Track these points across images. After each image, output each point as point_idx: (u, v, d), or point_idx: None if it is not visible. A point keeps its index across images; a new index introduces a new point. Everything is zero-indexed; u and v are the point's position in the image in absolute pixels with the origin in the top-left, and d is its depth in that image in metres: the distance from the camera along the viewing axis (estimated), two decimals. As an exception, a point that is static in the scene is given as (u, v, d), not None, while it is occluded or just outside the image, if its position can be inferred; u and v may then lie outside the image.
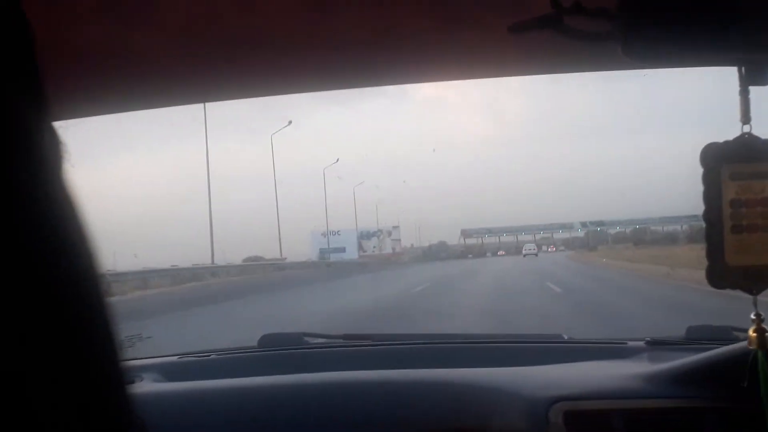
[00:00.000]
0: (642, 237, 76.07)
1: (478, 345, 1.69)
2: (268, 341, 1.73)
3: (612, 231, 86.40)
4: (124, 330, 0.33)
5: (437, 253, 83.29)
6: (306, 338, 1.74)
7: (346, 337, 1.76)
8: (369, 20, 0.90)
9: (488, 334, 1.90)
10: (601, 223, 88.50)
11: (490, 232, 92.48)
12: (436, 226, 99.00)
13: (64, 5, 0.79)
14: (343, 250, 70.09)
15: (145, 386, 1.42)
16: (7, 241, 0.25)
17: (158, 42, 0.90)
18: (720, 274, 0.79)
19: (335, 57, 1.00)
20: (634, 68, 0.97)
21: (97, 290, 0.29)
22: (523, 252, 58.78)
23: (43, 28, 0.72)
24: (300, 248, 63.66)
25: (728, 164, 0.77)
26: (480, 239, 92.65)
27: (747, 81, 0.76)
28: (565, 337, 1.71)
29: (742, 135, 0.76)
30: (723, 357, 1.17)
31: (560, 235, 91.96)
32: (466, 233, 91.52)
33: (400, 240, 77.35)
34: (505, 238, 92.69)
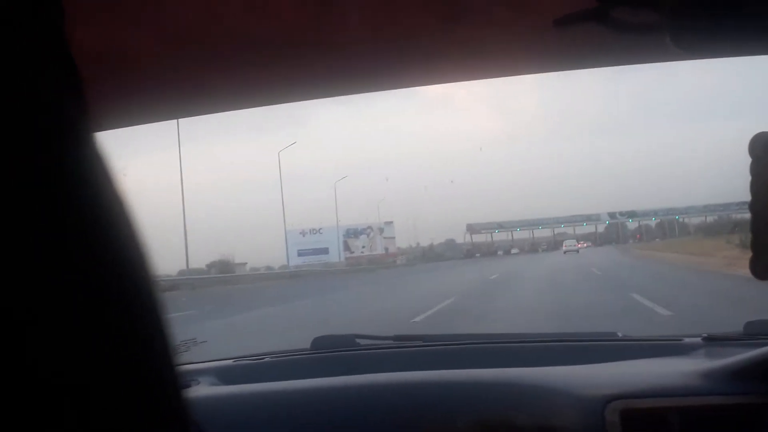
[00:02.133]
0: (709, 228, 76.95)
1: (531, 344, 1.89)
2: (321, 343, 1.97)
3: (644, 221, 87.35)
4: (179, 335, 0.35)
5: (443, 252, 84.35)
6: (357, 340, 1.97)
7: (397, 338, 1.99)
8: (380, 23, 1.05)
9: (541, 333, 2.09)
10: (632, 214, 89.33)
11: (500, 227, 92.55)
12: (439, 224, 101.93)
13: (96, 13, 0.95)
14: (325, 251, 69.60)
15: (201, 390, 1.65)
16: (61, 248, 0.29)
17: (176, 52, 1.08)
18: (764, 266, 0.88)
19: (352, 62, 1.18)
20: (683, 59, 1.13)
21: (152, 294, 0.33)
22: (564, 248, 60.31)
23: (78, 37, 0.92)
24: (278, 250, 63.54)
25: None
26: (489, 235, 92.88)
27: None
28: (620, 335, 1.92)
29: None
30: None
31: (584, 229, 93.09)
32: (472, 229, 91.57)
33: (394, 238, 77.31)
34: (519, 234, 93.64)
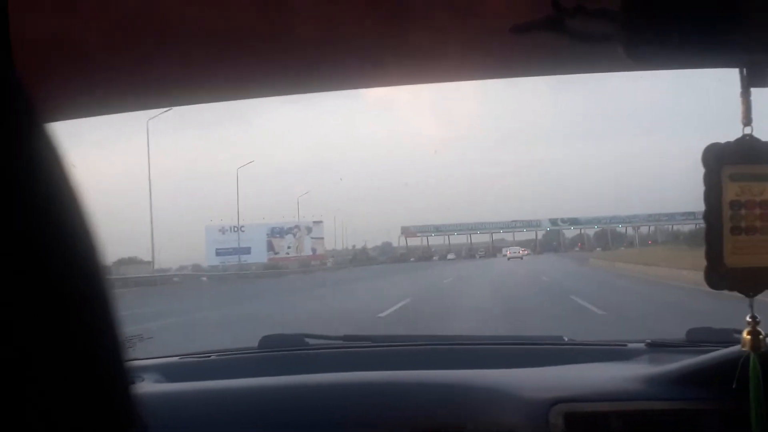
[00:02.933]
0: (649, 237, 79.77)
1: (477, 347, 1.99)
2: (269, 342, 2.05)
3: (586, 229, 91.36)
4: (125, 331, 0.39)
5: (377, 256, 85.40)
6: (306, 339, 2.05)
7: (346, 338, 2.08)
8: (328, 22, 1.13)
9: (488, 336, 2.23)
10: (575, 221, 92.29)
11: (437, 230, 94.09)
12: (374, 226, 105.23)
13: (51, 4, 0.99)
14: (246, 251, 68.61)
15: (146, 387, 1.70)
16: (10, 241, 0.30)
17: (140, 44, 1.14)
18: (718, 275, 0.94)
19: (302, 60, 1.26)
20: (636, 69, 1.22)
21: (103, 290, 0.34)
22: (508, 255, 62.66)
23: (31, 26, 1.00)
24: (196, 249, 62.21)
25: (729, 165, 0.93)
26: (425, 239, 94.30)
27: (749, 82, 0.90)
28: (566, 339, 2.04)
29: (743, 136, 0.91)
30: (722, 359, 1.44)
31: (523, 235, 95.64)
32: (407, 232, 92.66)
33: (323, 239, 77.08)
34: (456, 239, 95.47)
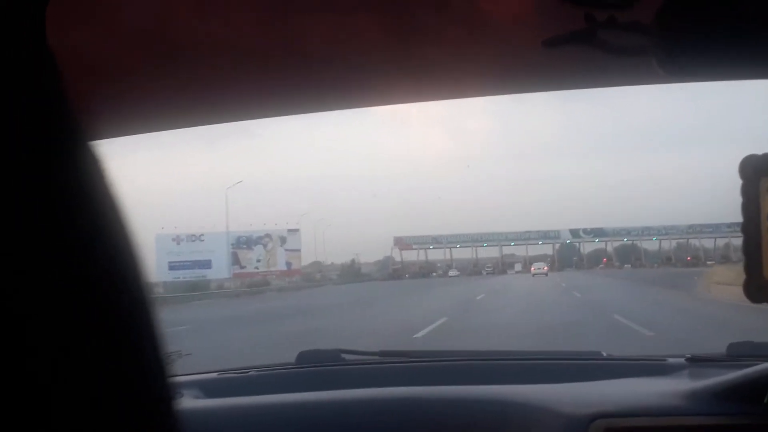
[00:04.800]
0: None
1: (516, 362, 2.23)
2: (306, 358, 2.32)
3: (615, 241, 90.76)
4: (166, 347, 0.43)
5: (371, 272, 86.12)
6: (343, 355, 2.31)
7: (382, 353, 2.33)
8: (338, 39, 1.32)
9: (526, 351, 2.46)
10: (600, 232, 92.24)
11: (436, 242, 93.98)
12: (367, 239, 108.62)
13: (94, 25, 1.21)
14: (206, 264, 68.29)
15: (185, 403, 1.93)
16: (57, 257, 0.35)
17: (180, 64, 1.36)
18: (757, 288, 1.04)
19: (317, 77, 1.47)
20: (669, 82, 1.40)
21: (147, 304, 0.39)
22: (532, 271, 64.59)
23: (74, 47, 1.20)
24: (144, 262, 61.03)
25: (767, 177, 1.02)
26: (423, 252, 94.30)
27: None
28: (604, 354, 2.27)
29: None
30: (764, 373, 1.65)
31: (538, 248, 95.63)
32: (401, 243, 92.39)
33: (299, 251, 76.35)
34: (459, 252, 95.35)
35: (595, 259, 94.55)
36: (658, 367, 2.11)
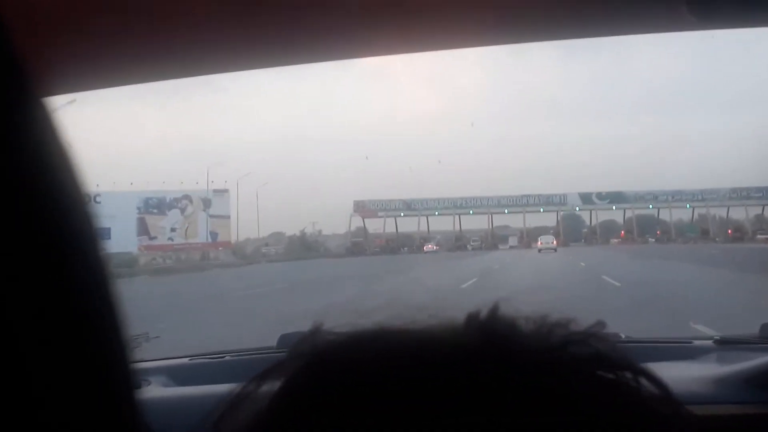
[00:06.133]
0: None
1: None
2: (289, 341, 2.51)
3: (638, 209, 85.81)
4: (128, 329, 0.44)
5: (325, 244, 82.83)
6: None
7: None
8: None
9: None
10: (619, 197, 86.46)
11: (408, 208, 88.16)
12: (331, 207, 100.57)
13: None
14: (105, 234, 58.32)
15: (152, 391, 2.10)
16: (5, 236, 0.35)
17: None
18: None
19: (304, 28, 1.56)
20: (699, 29, 1.44)
21: (105, 282, 0.39)
22: (539, 245, 63.87)
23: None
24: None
25: None
26: (392, 220, 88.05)
27: None
28: (623, 336, 2.39)
29: None
30: None
31: (538, 217, 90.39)
32: (363, 209, 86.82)
33: (228, 218, 71.09)
34: (438, 222, 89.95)
35: (608, 231, 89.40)
36: (683, 350, 2.25)
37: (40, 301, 0.35)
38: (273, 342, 2.78)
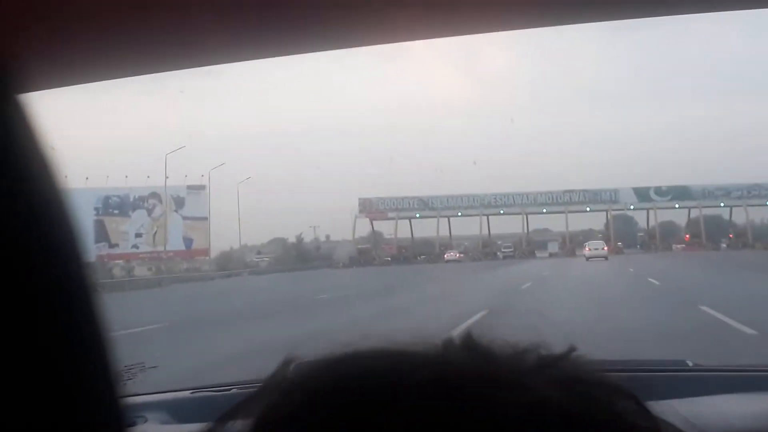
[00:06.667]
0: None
1: None
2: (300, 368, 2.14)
3: (706, 207, 77.18)
4: (121, 358, 0.41)
5: (333, 252, 76.53)
6: None
7: None
8: None
9: (598, 360, 1.60)
10: (683, 192, 78.20)
11: (425, 206, 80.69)
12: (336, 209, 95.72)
13: None
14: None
15: (149, 429, 2.01)
16: None
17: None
18: None
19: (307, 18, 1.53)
20: (746, 8, 1.49)
21: (88, 294, 0.37)
22: (587, 252, 58.70)
23: None
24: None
25: None
26: (408, 222, 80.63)
27: None
28: (690, 364, 2.34)
29: None
30: None
31: (585, 217, 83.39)
32: (369, 209, 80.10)
33: (206, 220, 64.41)
34: (462, 224, 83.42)
35: (668, 235, 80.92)
36: (758, 379, 2.15)
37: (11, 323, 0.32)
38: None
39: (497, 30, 1.66)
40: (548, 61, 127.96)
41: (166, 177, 61.10)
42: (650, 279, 30.24)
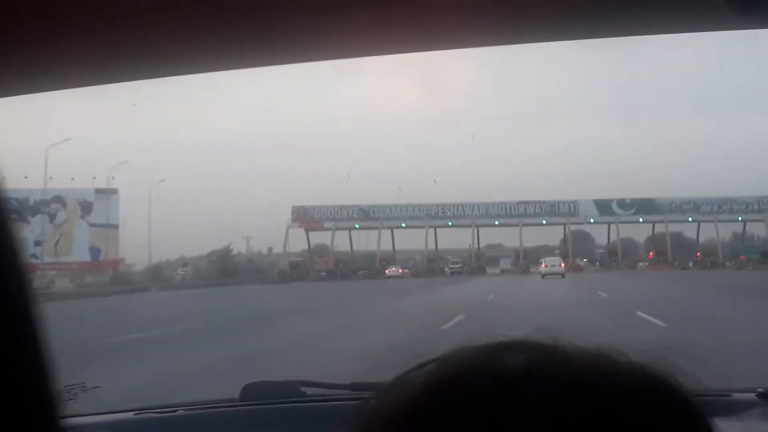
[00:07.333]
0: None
1: None
2: (254, 392, 2.36)
3: (671, 219, 74.37)
4: (62, 377, 0.39)
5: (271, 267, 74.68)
6: (303, 388, 2.39)
7: (354, 386, 2.41)
8: None
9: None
10: (648, 205, 76.14)
11: (365, 216, 77.91)
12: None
13: None
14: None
15: None
16: None
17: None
18: None
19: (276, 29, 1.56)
20: (739, 28, 1.47)
21: (28, 309, 0.34)
22: (543, 268, 56.80)
23: None
24: None
25: None
26: (347, 233, 77.77)
27: None
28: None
29: None
30: None
31: (540, 233, 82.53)
32: (304, 218, 76.89)
33: (116, 228, 59.60)
34: (406, 236, 79.99)
35: (631, 251, 78.70)
36: (721, 404, 2.19)
37: None
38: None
39: (453, 48, 1.64)
40: (507, 75, 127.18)
41: (49, 178, 58.37)
42: (628, 305, 25.25)
